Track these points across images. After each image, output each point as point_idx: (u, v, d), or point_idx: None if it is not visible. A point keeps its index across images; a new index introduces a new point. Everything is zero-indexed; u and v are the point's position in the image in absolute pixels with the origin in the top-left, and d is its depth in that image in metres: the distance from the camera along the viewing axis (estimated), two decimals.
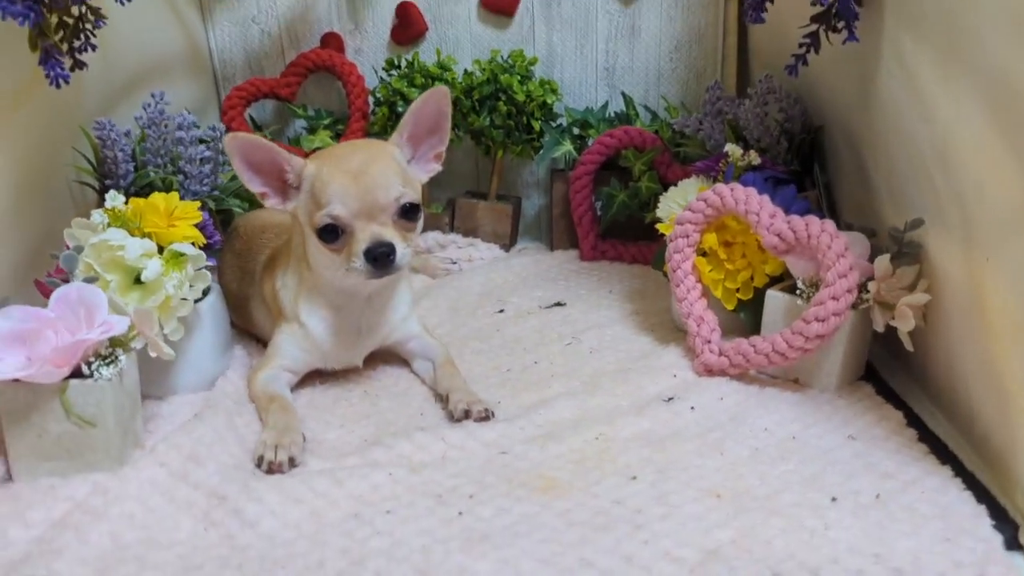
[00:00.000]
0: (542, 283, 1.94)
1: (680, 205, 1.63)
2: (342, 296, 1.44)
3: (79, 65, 1.33)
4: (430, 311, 1.81)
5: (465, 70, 2.09)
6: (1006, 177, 1.09)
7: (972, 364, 1.23)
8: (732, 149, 1.56)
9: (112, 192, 1.39)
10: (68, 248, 1.36)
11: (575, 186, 2.03)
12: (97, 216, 1.36)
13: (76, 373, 1.20)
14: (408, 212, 1.35)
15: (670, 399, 1.37)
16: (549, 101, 2.04)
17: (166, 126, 1.62)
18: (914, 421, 1.32)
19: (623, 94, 2.13)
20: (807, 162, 1.75)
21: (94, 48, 1.32)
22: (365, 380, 1.52)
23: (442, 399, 1.42)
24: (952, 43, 1.19)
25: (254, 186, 1.37)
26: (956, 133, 1.20)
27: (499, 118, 2.03)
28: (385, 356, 1.57)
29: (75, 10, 1.28)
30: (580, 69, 2.19)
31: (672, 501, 1.12)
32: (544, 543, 1.05)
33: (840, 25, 1.33)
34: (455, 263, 2.04)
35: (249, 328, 1.66)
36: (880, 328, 1.37)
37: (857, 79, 1.49)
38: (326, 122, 2.14)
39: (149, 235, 1.39)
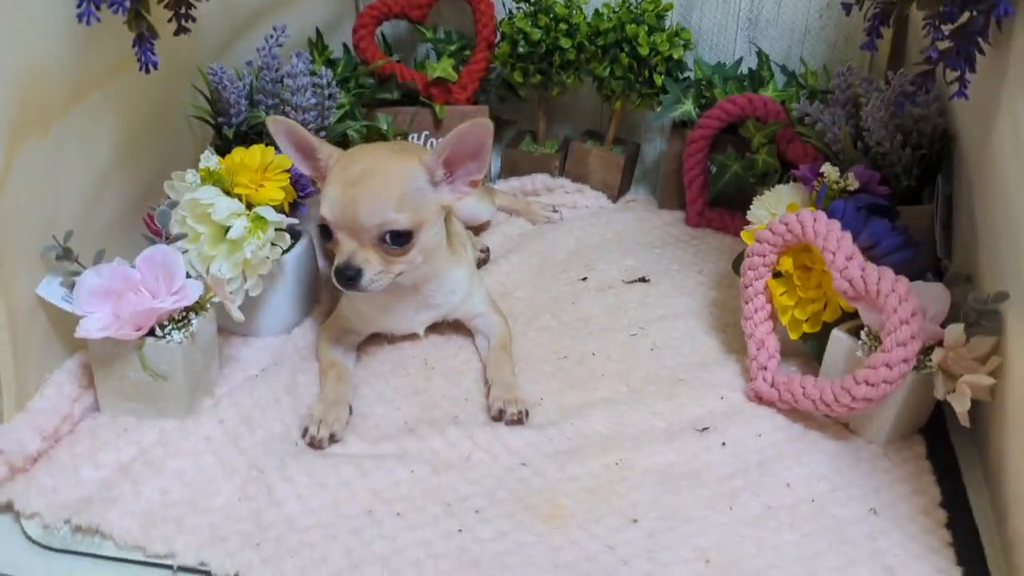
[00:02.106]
0: (636, 248, 1.92)
1: (771, 213, 1.56)
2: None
3: (183, 30, 1.39)
4: (517, 267, 1.84)
5: (596, 10, 2.01)
6: None
7: (1018, 462, 1.17)
8: (828, 170, 1.46)
9: (206, 153, 1.48)
10: (168, 200, 1.47)
11: (689, 148, 1.96)
12: (191, 176, 1.45)
13: (152, 331, 1.34)
14: (394, 239, 1.34)
15: (704, 429, 1.37)
16: (676, 56, 1.95)
17: (278, 69, 1.68)
18: (954, 497, 1.28)
19: (758, 53, 1.99)
20: (932, 172, 1.62)
21: (194, 20, 1.37)
22: (428, 348, 1.59)
23: (487, 387, 1.47)
24: None
25: (304, 168, 1.43)
26: None
27: (619, 69, 1.96)
28: (455, 323, 1.63)
29: None
30: (720, 16, 2.06)
31: (661, 558, 1.15)
32: None
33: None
34: (556, 211, 2.04)
35: None
36: (940, 397, 1.30)
37: (980, 117, 1.35)
38: (453, 48, 2.13)
39: (239, 195, 1.48)
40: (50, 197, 1.33)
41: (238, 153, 1.52)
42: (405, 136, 2.08)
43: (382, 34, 2.19)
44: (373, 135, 1.99)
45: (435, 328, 1.62)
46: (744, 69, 2.02)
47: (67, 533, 1.21)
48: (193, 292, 1.35)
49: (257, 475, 1.27)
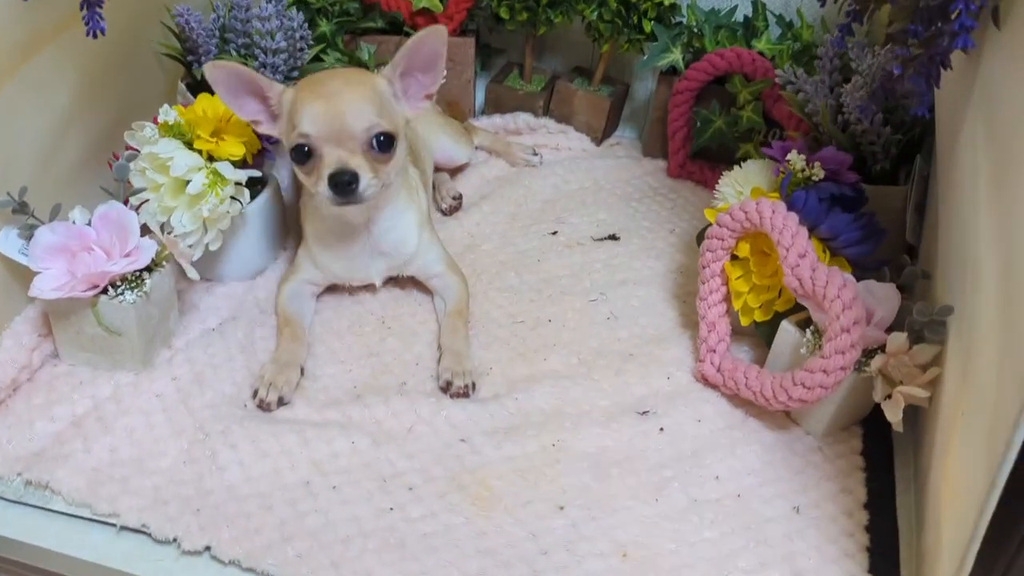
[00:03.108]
0: (612, 200, 1.90)
1: (737, 192, 1.54)
2: (340, 223, 1.50)
3: None
4: (489, 217, 1.84)
5: None
6: (990, 356, 0.99)
7: (936, 484, 1.19)
8: (794, 158, 1.43)
9: (165, 107, 1.46)
10: (128, 150, 1.47)
11: (674, 100, 1.91)
12: (148, 130, 1.44)
13: (106, 289, 1.36)
14: (381, 144, 1.35)
15: (645, 412, 1.40)
16: (667, 2, 1.87)
17: (248, 9, 1.64)
18: (880, 498, 1.30)
19: (753, 3, 1.91)
20: (913, 151, 1.58)
21: None
22: (387, 304, 1.61)
23: (439, 352, 1.49)
24: (1003, 166, 1.03)
25: (244, 114, 1.41)
26: (983, 263, 1.07)
27: (608, 13, 1.90)
28: (416, 281, 1.64)
29: None
30: None
31: (579, 550, 1.19)
32: (447, 567, 1.17)
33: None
34: (537, 154, 2.02)
35: None
36: (878, 399, 1.31)
37: (951, 120, 1.31)
38: None
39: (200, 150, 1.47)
40: (3, 153, 1.33)
41: (200, 103, 1.50)
42: None
43: None
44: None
45: (396, 282, 1.63)
46: (740, 16, 1.95)
47: (20, 485, 1.26)
48: (146, 254, 1.36)
49: (203, 438, 1.32)
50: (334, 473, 1.28)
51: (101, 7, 1.23)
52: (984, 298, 1.06)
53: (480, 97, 2.17)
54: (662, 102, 1.99)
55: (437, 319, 1.58)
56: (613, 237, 1.80)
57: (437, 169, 1.89)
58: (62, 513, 1.24)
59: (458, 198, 1.86)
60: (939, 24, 1.05)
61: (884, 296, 1.34)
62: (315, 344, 1.51)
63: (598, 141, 2.09)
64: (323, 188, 1.33)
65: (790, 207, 1.39)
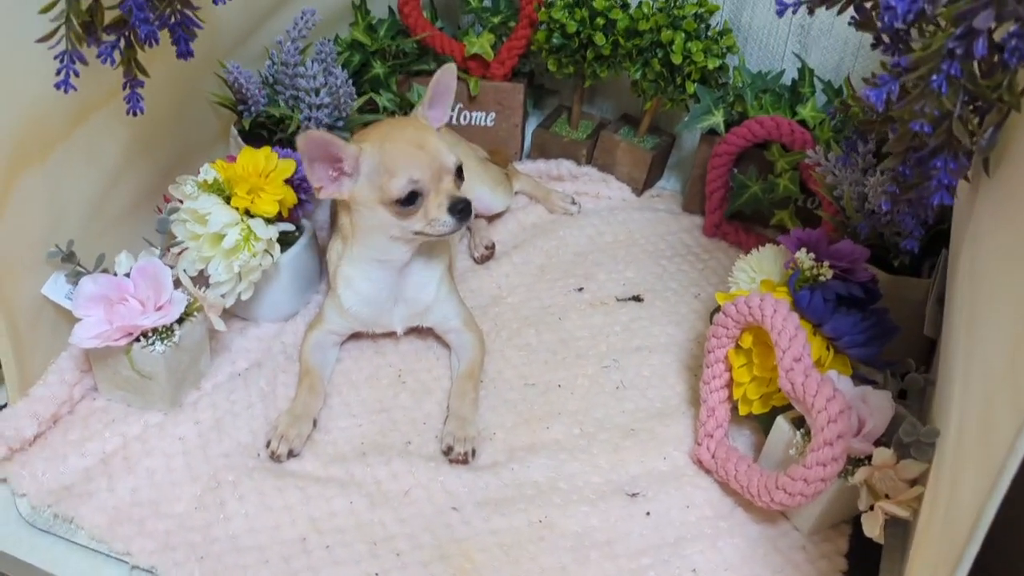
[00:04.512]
0: (643, 257, 1.93)
1: (751, 278, 1.55)
2: (377, 269, 1.58)
3: (185, 55, 1.43)
4: (519, 267, 1.89)
5: (640, 2, 1.94)
6: (941, 510, 1.00)
7: None
8: (802, 257, 1.44)
9: (206, 166, 1.56)
10: (171, 202, 1.58)
11: (713, 161, 1.92)
12: (189, 187, 1.54)
13: (138, 337, 1.47)
14: (459, 172, 1.51)
15: (635, 494, 1.44)
16: (711, 66, 1.88)
17: (296, 66, 1.71)
18: None
19: (799, 68, 1.90)
20: (941, 241, 1.56)
21: (192, 54, 1.40)
22: (407, 357, 1.68)
23: (448, 412, 1.56)
24: (973, 312, 1.03)
25: (314, 179, 1.48)
26: (954, 403, 1.08)
27: (651, 73, 1.91)
28: (436, 334, 1.70)
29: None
30: (772, 18, 1.95)
31: None
32: None
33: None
34: (575, 203, 2.05)
35: None
36: (863, 508, 1.33)
37: (958, 235, 1.30)
38: (496, 20, 2.09)
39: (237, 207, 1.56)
40: (52, 212, 1.44)
41: (243, 158, 1.58)
42: None
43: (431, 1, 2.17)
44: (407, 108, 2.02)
45: (417, 334, 1.70)
46: (788, 79, 1.94)
47: (49, 516, 1.39)
48: (177, 308, 1.46)
49: (215, 487, 1.42)
50: (330, 532, 1.37)
51: (142, 87, 1.32)
52: (951, 437, 1.07)
53: (527, 143, 2.20)
54: (703, 160, 2.00)
55: (451, 376, 1.64)
56: (637, 298, 1.83)
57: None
58: (84, 547, 1.36)
59: (491, 247, 1.91)
60: (927, 168, 1.05)
61: (878, 406, 1.34)
62: (332, 395, 1.60)
63: (639, 192, 2.11)
64: (444, 219, 1.47)
65: (796, 305, 1.41)
